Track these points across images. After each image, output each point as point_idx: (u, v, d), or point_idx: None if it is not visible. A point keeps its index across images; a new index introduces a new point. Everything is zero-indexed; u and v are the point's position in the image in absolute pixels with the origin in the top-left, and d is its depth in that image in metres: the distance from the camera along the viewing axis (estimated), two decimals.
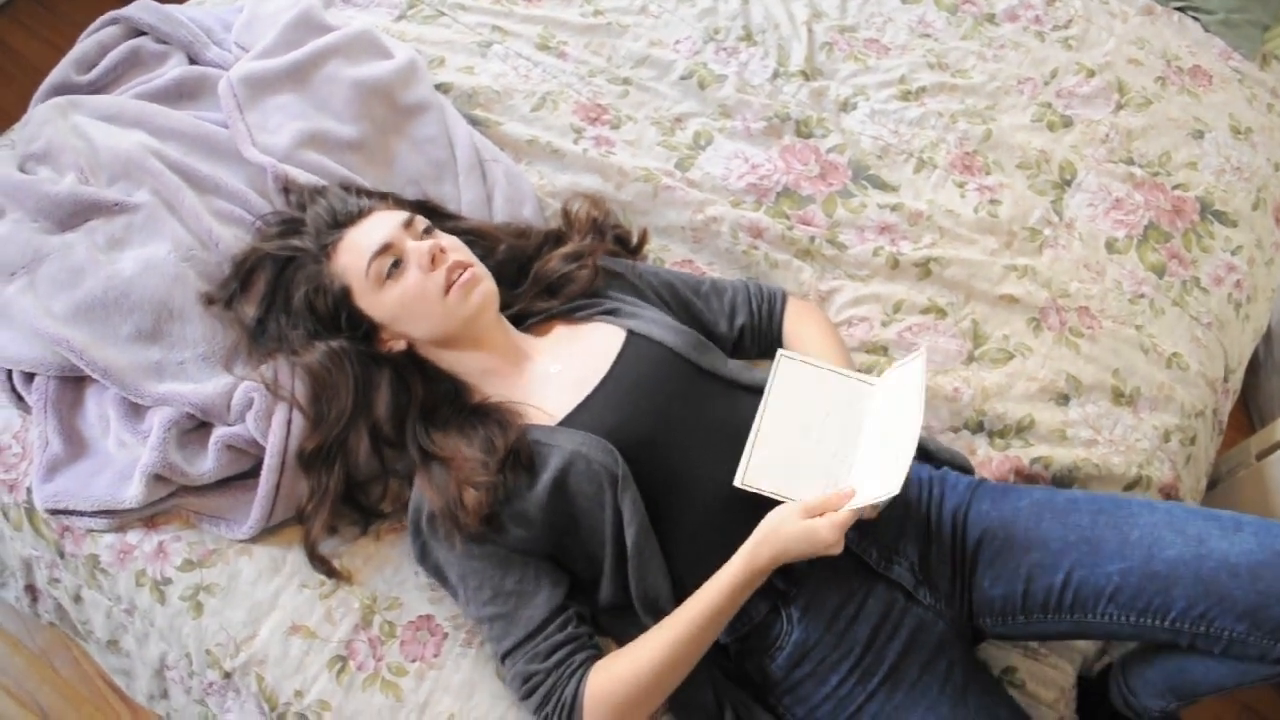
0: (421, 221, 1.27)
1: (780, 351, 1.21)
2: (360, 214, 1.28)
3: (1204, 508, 1.15)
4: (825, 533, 1.04)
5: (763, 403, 1.17)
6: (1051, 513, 1.18)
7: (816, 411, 1.17)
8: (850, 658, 1.14)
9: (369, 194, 1.37)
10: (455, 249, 1.26)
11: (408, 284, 1.22)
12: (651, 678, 1.08)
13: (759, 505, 1.16)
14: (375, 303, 1.24)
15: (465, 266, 1.23)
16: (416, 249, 1.23)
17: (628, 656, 1.11)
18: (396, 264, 1.22)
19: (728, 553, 1.14)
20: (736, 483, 1.12)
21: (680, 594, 1.16)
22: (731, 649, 1.18)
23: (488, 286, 1.24)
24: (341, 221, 1.28)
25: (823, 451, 1.14)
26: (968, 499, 1.23)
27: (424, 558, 1.23)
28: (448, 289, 1.21)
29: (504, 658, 1.16)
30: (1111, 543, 1.12)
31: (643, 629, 1.17)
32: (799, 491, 1.11)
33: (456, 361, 1.26)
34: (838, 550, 1.04)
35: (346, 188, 1.38)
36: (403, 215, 1.26)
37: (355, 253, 1.24)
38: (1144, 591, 1.09)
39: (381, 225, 1.25)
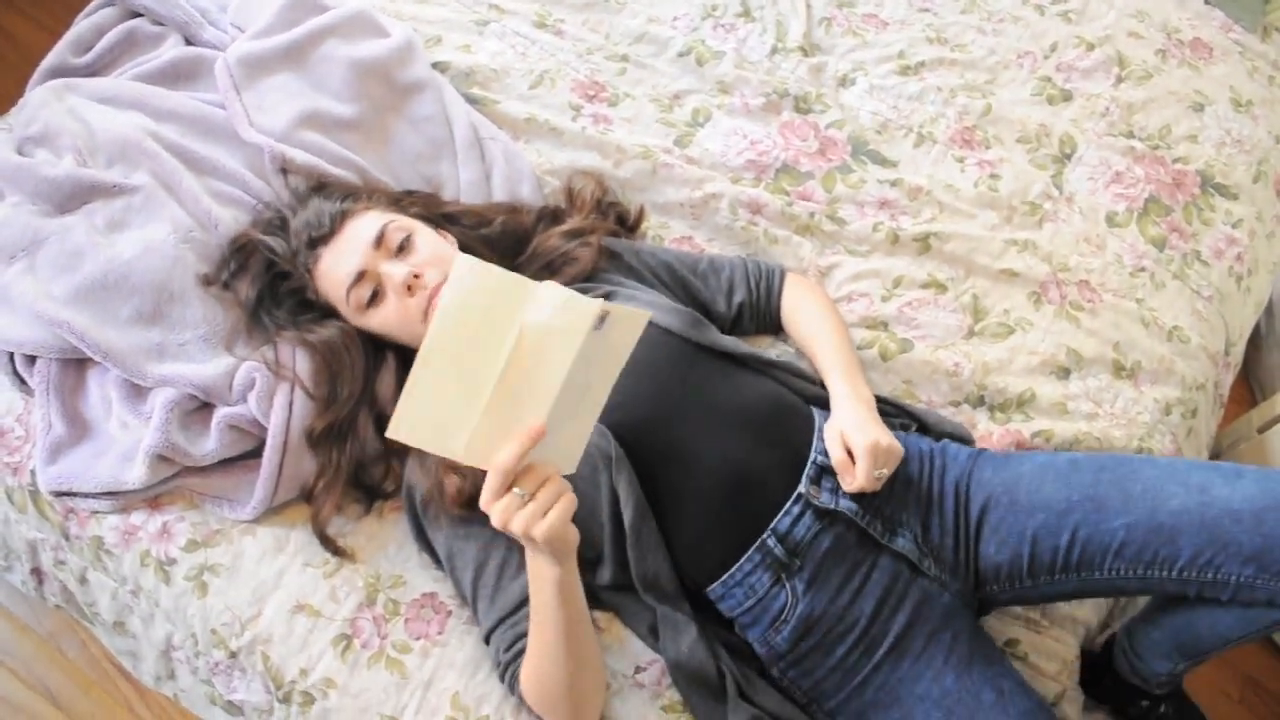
0: (396, 234, 1.24)
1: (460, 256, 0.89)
2: (333, 228, 1.27)
3: (1205, 460, 1.15)
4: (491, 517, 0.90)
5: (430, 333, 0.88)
6: (1054, 474, 1.18)
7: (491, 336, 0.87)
8: (855, 630, 1.15)
9: (344, 195, 1.34)
10: (432, 263, 1.23)
11: (388, 312, 1.23)
12: (549, 673, 1.07)
13: (758, 483, 1.16)
14: (362, 324, 1.27)
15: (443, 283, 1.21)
16: (391, 277, 1.22)
17: (526, 657, 1.10)
18: (376, 293, 1.23)
19: (727, 531, 1.15)
20: (388, 434, 0.89)
21: (680, 572, 1.17)
22: (736, 622, 1.19)
23: None
24: (315, 240, 1.27)
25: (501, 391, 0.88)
26: (969, 468, 1.23)
27: (417, 535, 1.25)
28: (427, 312, 1.21)
29: (485, 638, 1.18)
30: (1115, 499, 1.12)
31: (644, 606, 1.18)
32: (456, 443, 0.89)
33: None
34: (501, 528, 0.90)
35: (324, 187, 1.38)
36: (374, 230, 1.24)
37: (332, 280, 1.26)
38: (1150, 544, 1.09)
39: (353, 248, 1.24)
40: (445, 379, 0.87)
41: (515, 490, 0.89)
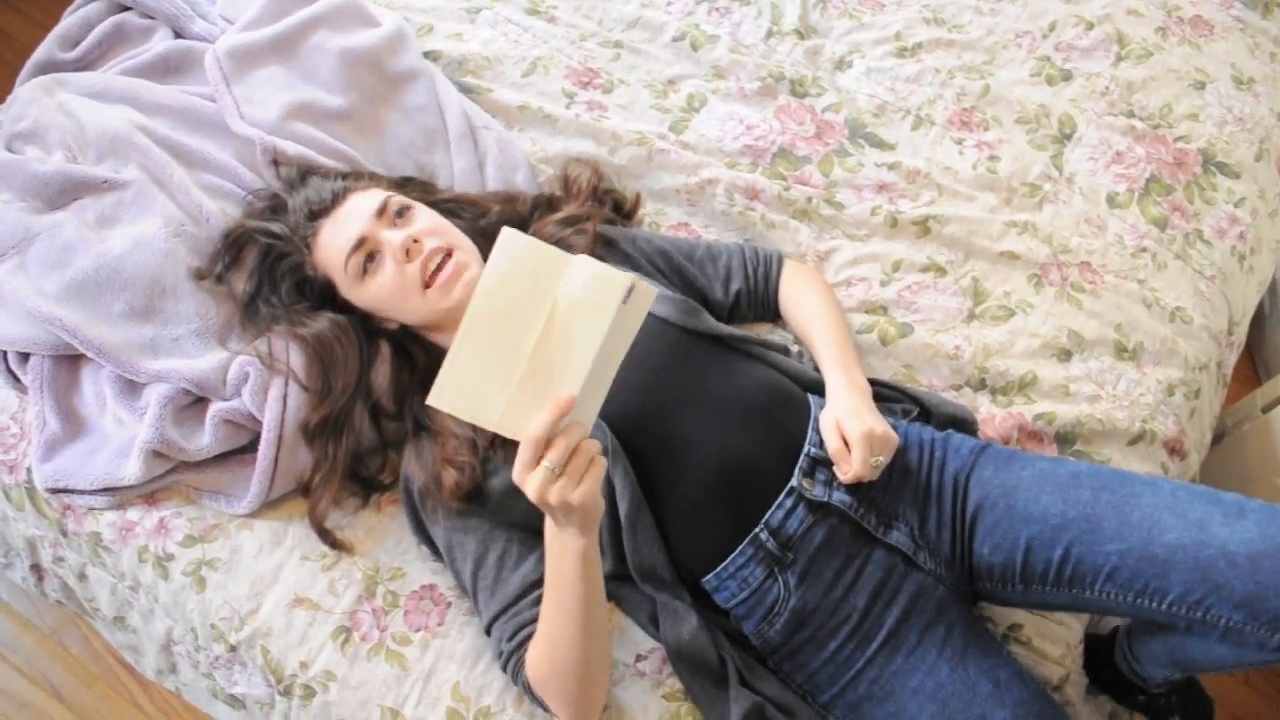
0: (396, 203, 1.25)
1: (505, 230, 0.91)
2: (334, 201, 1.27)
3: (1209, 488, 1.12)
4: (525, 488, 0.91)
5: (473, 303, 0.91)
6: (1053, 486, 1.15)
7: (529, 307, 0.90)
8: (848, 623, 1.14)
9: (343, 175, 1.35)
10: (434, 233, 1.23)
11: (385, 278, 1.22)
12: (563, 652, 1.06)
13: (752, 474, 1.15)
14: (358, 295, 1.25)
15: (445, 254, 1.22)
16: (390, 242, 1.21)
17: (537, 638, 1.09)
18: (372, 257, 1.22)
19: (721, 522, 1.15)
20: (429, 401, 0.91)
21: (677, 562, 1.16)
22: (732, 614, 1.18)
23: (471, 275, 1.22)
24: (316, 213, 1.27)
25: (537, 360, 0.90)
26: (970, 463, 1.21)
27: (416, 528, 1.24)
28: (427, 283, 1.20)
29: (486, 629, 1.17)
30: (1111, 522, 1.10)
31: (644, 594, 1.18)
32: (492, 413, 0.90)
33: (448, 341, 1.26)
34: (531, 497, 0.91)
35: (318, 170, 1.37)
36: (375, 202, 1.24)
37: (332, 249, 1.25)
38: (1141, 574, 1.07)
39: (354, 218, 1.24)
40: (485, 349, 0.90)
41: (545, 463, 0.89)
